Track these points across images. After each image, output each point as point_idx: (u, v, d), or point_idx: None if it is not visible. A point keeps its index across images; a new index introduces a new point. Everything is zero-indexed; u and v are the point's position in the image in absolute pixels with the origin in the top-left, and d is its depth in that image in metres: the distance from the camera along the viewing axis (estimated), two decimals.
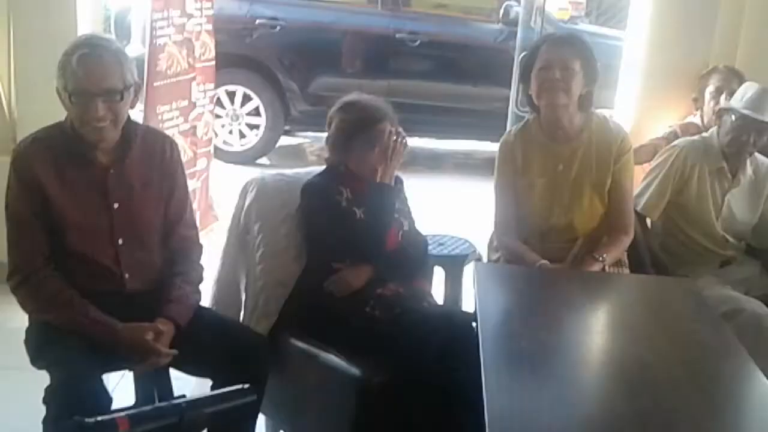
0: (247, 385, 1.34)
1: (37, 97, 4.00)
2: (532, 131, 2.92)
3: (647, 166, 3.40)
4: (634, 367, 1.97)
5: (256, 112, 6.95)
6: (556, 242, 2.88)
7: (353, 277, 2.66)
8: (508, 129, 3.83)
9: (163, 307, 2.38)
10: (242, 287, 2.91)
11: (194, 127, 4.35)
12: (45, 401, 2.13)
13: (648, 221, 3.24)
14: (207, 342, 2.34)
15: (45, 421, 2.14)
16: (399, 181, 2.94)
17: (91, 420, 1.11)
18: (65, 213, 2.34)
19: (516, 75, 4.17)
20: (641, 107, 4.24)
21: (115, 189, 2.40)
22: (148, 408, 1.18)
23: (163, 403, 1.20)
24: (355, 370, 2.47)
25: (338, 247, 2.70)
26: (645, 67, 4.26)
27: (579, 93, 2.79)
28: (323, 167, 2.90)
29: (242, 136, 6.97)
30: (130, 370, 2.43)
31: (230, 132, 6.92)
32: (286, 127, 7.24)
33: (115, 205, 2.40)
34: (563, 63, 2.75)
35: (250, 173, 3.17)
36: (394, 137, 2.72)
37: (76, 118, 2.32)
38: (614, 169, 2.87)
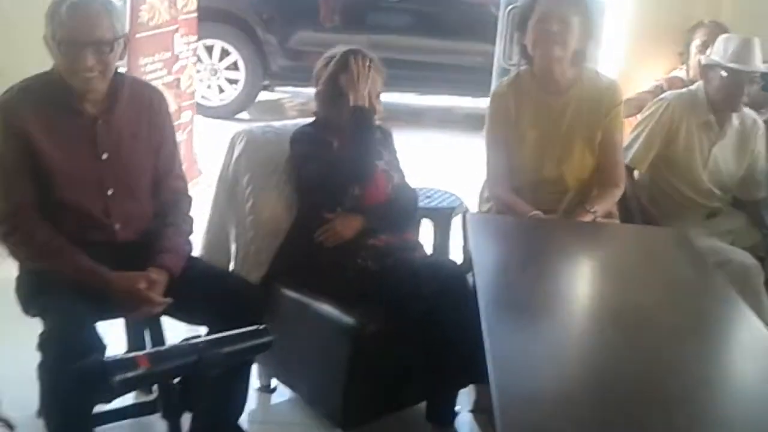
0: (263, 326, 1.33)
1: (19, 47, 3.91)
2: (525, 83, 2.92)
3: (634, 120, 3.41)
4: (632, 313, 2.00)
5: (234, 67, 6.87)
6: (548, 194, 2.90)
7: (344, 227, 2.67)
8: (492, 83, 3.85)
9: (156, 257, 2.37)
10: (232, 238, 2.90)
11: (178, 80, 4.29)
12: (40, 347, 2.11)
13: (636, 173, 3.26)
14: (200, 290, 2.33)
15: (40, 367, 2.12)
16: (387, 134, 2.93)
17: (112, 358, 1.09)
18: (53, 163, 2.31)
19: (502, 28, 4.14)
20: (627, 61, 4.25)
21: (104, 139, 2.38)
22: (166, 347, 1.18)
23: (181, 343, 1.19)
24: (348, 319, 2.49)
25: (329, 196, 2.70)
26: (631, 21, 4.26)
27: (574, 48, 2.79)
28: (311, 119, 2.88)
29: (221, 90, 6.90)
30: (123, 318, 2.42)
31: (209, 87, 6.84)
32: (265, 82, 7.17)
33: (104, 156, 2.38)
34: (561, 17, 2.74)
35: (231, 128, 3.15)
36: (361, 61, 2.69)
37: (64, 68, 2.29)
38: (605, 123, 2.89)
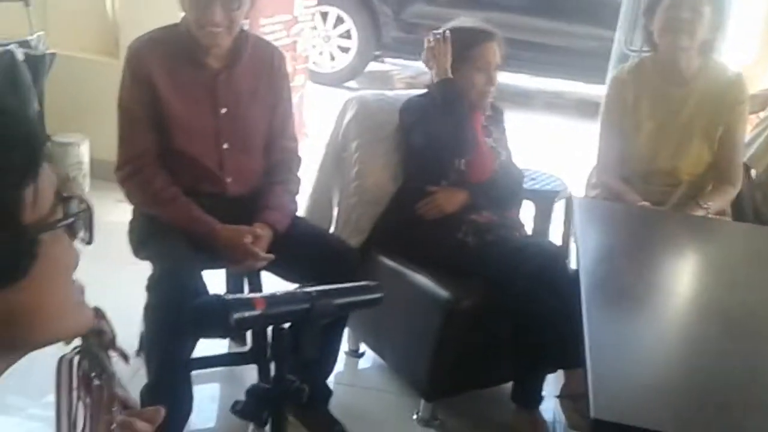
0: (374, 282, 1.36)
1: (139, 1, 4.07)
2: (646, 71, 2.84)
3: (756, 117, 3.28)
4: (737, 312, 1.94)
5: (347, 35, 6.92)
6: (658, 186, 2.83)
7: (446, 201, 2.67)
8: (610, 69, 3.75)
9: (262, 213, 2.43)
10: (335, 202, 2.95)
11: (295, 42, 4.35)
12: (148, 289, 2.21)
13: (753, 173, 3.14)
14: (302, 249, 2.39)
15: (147, 308, 2.23)
16: (498, 111, 2.91)
17: (232, 296, 1.15)
18: (175, 113, 2.39)
19: (626, 12, 4.03)
20: (755, 55, 4.07)
21: (224, 94, 2.44)
22: (281, 292, 1.22)
23: (295, 290, 1.23)
24: (442, 292, 2.51)
25: (433, 169, 2.70)
26: (760, 14, 4.07)
27: (702, 38, 2.70)
28: (424, 90, 2.89)
29: (332, 58, 6.96)
30: (227, 269, 2.50)
31: (320, 53, 6.91)
32: (377, 53, 7.20)
33: (223, 110, 2.44)
34: (693, 4, 2.66)
35: (338, 95, 3.19)
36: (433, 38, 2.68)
37: (192, 21, 2.35)
38: (727, 118, 2.79)
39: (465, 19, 2.81)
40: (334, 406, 2.57)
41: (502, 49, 2.73)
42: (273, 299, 1.19)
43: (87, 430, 1.24)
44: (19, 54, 3.86)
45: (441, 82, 2.66)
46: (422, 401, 2.67)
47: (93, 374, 1.27)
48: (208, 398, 2.72)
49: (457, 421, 2.72)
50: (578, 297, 1.81)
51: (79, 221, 0.76)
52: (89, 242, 0.77)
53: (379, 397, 2.83)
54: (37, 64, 3.92)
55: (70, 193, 0.75)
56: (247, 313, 1.15)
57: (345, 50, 6.95)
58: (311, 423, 2.50)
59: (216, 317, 1.14)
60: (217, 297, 1.17)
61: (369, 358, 3.01)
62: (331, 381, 2.61)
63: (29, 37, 4.01)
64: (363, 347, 3.02)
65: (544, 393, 2.66)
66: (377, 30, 6.91)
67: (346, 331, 2.70)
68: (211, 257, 2.36)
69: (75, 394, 1.36)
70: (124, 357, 1.35)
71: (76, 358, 1.34)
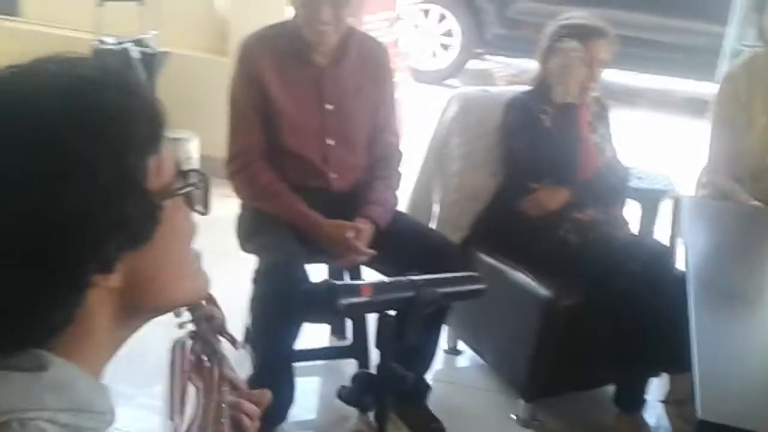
0: (477, 273, 1.37)
1: (248, 1, 4.18)
2: (760, 65, 2.75)
3: None
4: None
5: (449, 33, 6.91)
6: None
7: (549, 198, 2.64)
8: (721, 65, 3.63)
9: (365, 208, 2.46)
10: (436, 198, 2.96)
11: (397, 40, 4.38)
12: (254, 281, 2.28)
13: None
14: (403, 244, 2.40)
15: (253, 299, 2.30)
16: (604, 107, 2.86)
17: (340, 283, 1.18)
18: (282, 109, 2.45)
19: (739, 7, 3.89)
20: None
21: (330, 90, 2.48)
22: (387, 280, 1.25)
23: (400, 278, 1.25)
24: (543, 291, 2.48)
25: (536, 166, 2.68)
26: None
27: None
28: (526, 86, 2.86)
29: (433, 55, 6.97)
30: (329, 263, 2.55)
31: (422, 50, 6.92)
32: (478, 50, 7.16)
33: (329, 107, 2.49)
34: None
35: (438, 93, 3.19)
36: (584, 49, 2.61)
37: (301, 19, 2.40)
38: None
39: (576, 15, 2.76)
40: (432, 403, 2.59)
41: (612, 47, 2.67)
42: (379, 286, 1.23)
43: (197, 411, 1.29)
44: (134, 52, 4.04)
45: (565, 106, 2.63)
46: (521, 401, 2.65)
47: (205, 357, 1.32)
48: (309, 390, 2.77)
49: (556, 422, 2.69)
50: (684, 298, 1.77)
51: (197, 192, 0.80)
52: (205, 213, 0.82)
53: (477, 396, 2.83)
54: (151, 61, 4.09)
55: (188, 168, 0.80)
56: (354, 299, 1.18)
57: (446, 48, 6.94)
58: (409, 418, 2.52)
59: (324, 302, 1.18)
60: (327, 283, 1.20)
61: (467, 356, 3.01)
62: (429, 378, 2.62)
63: (143, 36, 4.19)
64: (461, 345, 3.02)
65: (647, 397, 2.60)
66: (480, 27, 6.87)
67: (444, 329, 2.70)
68: (314, 251, 2.41)
69: (187, 376, 1.42)
70: (233, 342, 1.40)
71: (189, 342, 1.40)
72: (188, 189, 0.79)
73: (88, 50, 4.02)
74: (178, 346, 1.42)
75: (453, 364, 3.02)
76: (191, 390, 1.41)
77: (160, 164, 0.75)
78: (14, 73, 0.72)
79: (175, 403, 1.45)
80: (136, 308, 0.78)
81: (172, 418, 1.39)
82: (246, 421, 1.11)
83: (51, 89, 0.70)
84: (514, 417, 2.66)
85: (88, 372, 0.75)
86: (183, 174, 0.79)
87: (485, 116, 2.86)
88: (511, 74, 7.40)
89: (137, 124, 0.73)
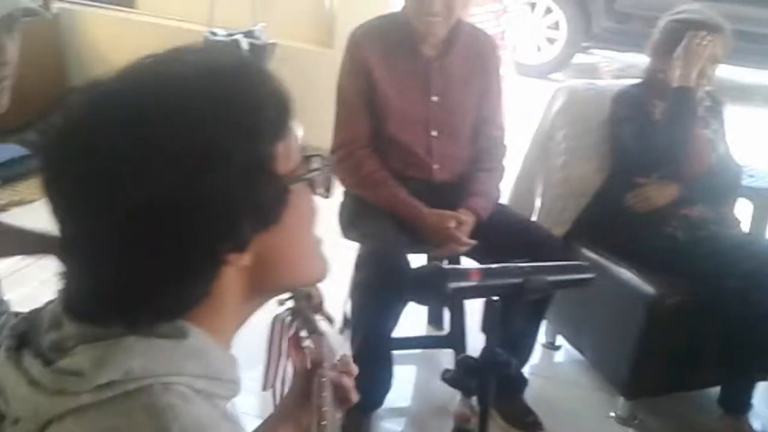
0: (586, 263, 1.37)
1: None
2: None
3: None
4: None
5: (555, 26, 6.82)
6: None
7: (658, 194, 2.59)
8: None
9: (467, 199, 2.47)
10: (538, 192, 2.94)
11: (503, 32, 4.35)
12: (357, 267, 2.32)
13: None
14: (504, 236, 2.40)
15: (356, 285, 2.35)
16: (718, 102, 2.77)
17: (449, 266, 1.21)
18: (389, 100, 2.49)
19: None
20: None
21: (437, 82, 2.50)
22: (496, 266, 1.26)
23: (509, 264, 1.27)
24: (648, 288, 2.44)
25: (645, 160, 2.62)
26: None
27: None
28: (633, 80, 2.80)
29: (538, 49, 6.89)
30: (428, 253, 2.57)
31: (527, 44, 6.86)
32: (585, 44, 7.04)
33: (434, 98, 2.51)
34: None
35: (541, 87, 3.15)
36: (700, 39, 2.52)
37: (411, 10, 2.42)
38: None
39: (689, 8, 2.68)
40: (529, 397, 2.58)
41: (728, 43, 2.58)
42: (488, 271, 1.24)
43: (293, 384, 1.34)
44: (244, 43, 4.17)
45: (680, 89, 2.54)
46: (621, 399, 2.61)
47: (303, 334, 1.37)
48: (405, 378, 2.80)
49: (657, 422, 2.64)
50: None
51: (320, 176, 0.85)
52: (327, 197, 0.86)
53: (575, 392, 2.80)
54: (260, 52, 4.21)
55: (312, 153, 0.84)
56: (463, 283, 1.20)
57: (552, 41, 6.85)
58: (506, 410, 2.53)
59: (434, 284, 1.20)
60: (436, 266, 1.23)
61: (566, 351, 2.99)
62: (526, 371, 2.61)
63: (253, 28, 4.31)
64: (560, 340, 2.99)
65: (754, 401, 2.52)
66: (587, 20, 6.76)
67: (543, 323, 2.69)
68: (415, 240, 2.44)
69: (285, 350, 1.47)
70: (330, 320, 1.45)
71: (288, 318, 1.45)
72: (313, 173, 0.83)
73: (200, 41, 4.18)
74: (277, 321, 1.48)
75: (551, 359, 3.00)
76: (288, 364, 1.47)
77: (288, 150, 0.79)
78: (155, 62, 0.77)
79: (271, 375, 1.51)
80: (262, 286, 0.82)
81: (266, 389, 1.45)
82: (348, 391, 1.14)
83: (190, 78, 0.74)
84: (613, 415, 2.62)
85: (220, 344, 0.80)
86: (307, 159, 0.83)
87: (592, 110, 2.82)
88: (617, 68, 7.24)
89: (268, 112, 0.76)
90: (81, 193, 0.72)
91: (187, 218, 0.71)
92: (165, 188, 0.70)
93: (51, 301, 0.81)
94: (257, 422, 1.14)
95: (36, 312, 0.81)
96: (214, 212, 0.72)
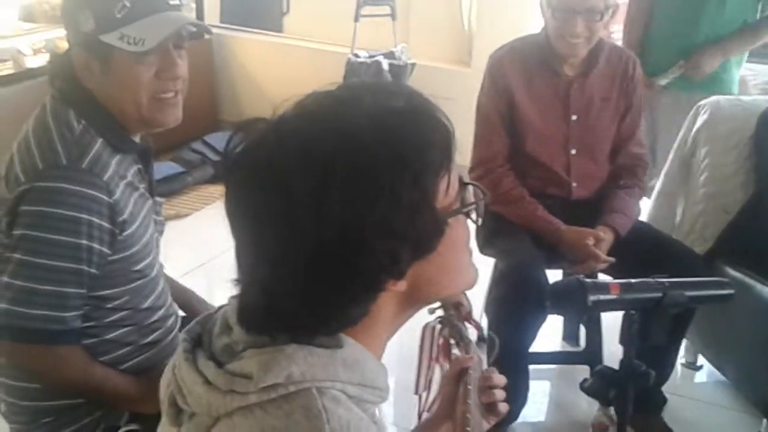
0: (725, 279, 1.39)
1: (494, 13, 4.31)
2: None
3: None
4: None
5: None
6: None
7: None
8: None
9: (606, 216, 2.49)
10: (679, 210, 2.90)
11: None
12: (495, 282, 2.39)
13: None
14: (644, 254, 2.38)
15: (494, 300, 2.41)
16: None
17: (589, 280, 1.26)
18: (528, 119, 2.54)
19: None
20: None
21: (576, 101, 2.53)
22: (635, 281, 1.31)
23: (648, 279, 1.31)
24: None
25: None
26: None
27: None
28: None
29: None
30: (565, 269, 2.59)
31: None
32: None
33: (574, 117, 2.54)
34: None
35: None
36: None
37: (553, 32, 2.46)
38: None
39: None
40: (668, 416, 2.56)
41: None
42: (628, 286, 1.28)
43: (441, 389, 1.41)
44: (385, 64, 4.32)
45: None
46: (764, 421, 2.54)
47: (453, 341, 1.45)
48: (540, 393, 2.83)
49: None
50: None
51: (476, 208, 0.90)
52: (479, 224, 0.92)
53: (717, 412, 2.74)
54: (399, 72, 4.35)
55: (468, 181, 0.90)
56: (602, 296, 1.25)
57: None
58: (644, 428, 2.50)
59: (575, 297, 1.25)
60: (577, 279, 1.28)
61: (707, 371, 2.93)
62: (665, 390, 2.58)
63: (393, 49, 4.45)
64: (701, 360, 2.94)
65: None
66: None
67: (684, 343, 2.66)
68: (552, 257, 2.47)
69: (435, 357, 1.55)
70: (479, 328, 1.52)
71: (438, 326, 1.53)
72: (470, 207, 0.89)
73: (343, 63, 4.36)
74: (428, 329, 1.56)
75: (691, 379, 2.95)
76: (438, 370, 1.55)
77: (448, 184, 0.84)
78: (335, 101, 0.83)
79: (422, 381, 1.59)
80: (414, 303, 0.90)
81: (417, 393, 1.54)
82: (498, 399, 1.20)
83: (367, 124, 0.80)
84: None
85: (372, 353, 0.87)
86: (463, 186, 0.88)
87: (737, 126, 2.77)
88: (765, 82, 6.93)
89: (434, 152, 0.82)
90: (260, 221, 0.79)
91: (353, 253, 0.78)
92: (336, 225, 0.77)
93: (221, 306, 0.91)
94: (393, 430, 1.21)
95: (208, 317, 0.91)
96: (377, 247, 0.79)
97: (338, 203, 0.77)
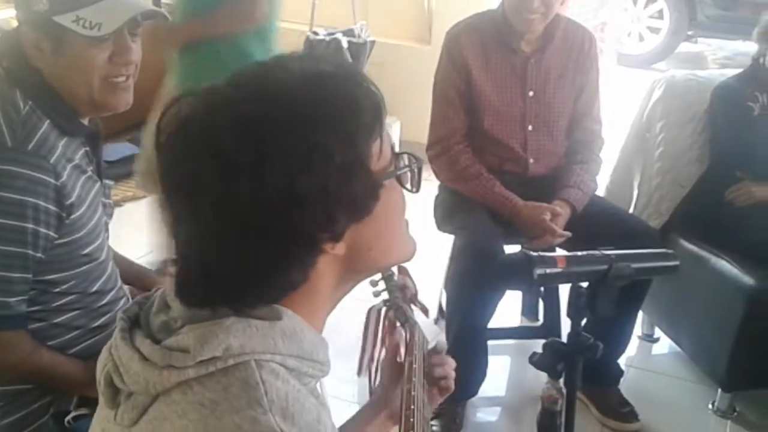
0: (671, 251, 1.40)
1: None
2: None
3: None
4: None
5: (659, 15, 6.67)
6: None
7: (760, 188, 2.54)
8: None
9: (562, 191, 2.50)
10: (635, 184, 2.93)
11: (603, 24, 4.31)
12: (452, 259, 2.39)
13: None
14: (600, 228, 2.41)
15: (452, 276, 2.41)
16: None
17: (536, 253, 1.26)
18: (485, 96, 2.53)
19: None
20: None
21: (533, 77, 2.53)
22: (581, 253, 1.31)
23: (594, 252, 1.31)
24: (748, 279, 2.41)
25: (742, 156, 2.58)
26: None
27: None
28: (740, 69, 2.76)
29: (641, 39, 6.76)
30: (523, 245, 2.60)
31: (628, 34, 6.74)
32: (689, 32, 6.86)
33: (530, 93, 2.54)
34: None
35: (646, 77, 3.12)
36: None
37: (510, 8, 2.46)
38: None
39: None
40: (625, 388, 2.60)
41: None
42: (574, 258, 1.29)
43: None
44: (344, 41, 4.28)
45: None
46: (719, 391, 2.59)
47: (398, 323, 1.45)
48: (499, 368, 2.85)
49: (756, 414, 2.61)
50: None
51: (410, 173, 0.91)
52: (416, 191, 0.92)
53: (672, 384, 2.79)
54: (359, 50, 4.32)
55: (401, 150, 0.91)
56: (549, 270, 1.25)
57: (655, 30, 6.71)
58: (601, 401, 2.55)
59: (521, 271, 1.26)
60: (524, 253, 1.28)
61: (664, 343, 2.97)
62: (622, 363, 2.62)
63: (353, 27, 4.42)
64: (657, 332, 2.98)
65: None
66: (692, 8, 6.58)
67: (640, 315, 2.69)
68: (509, 232, 2.48)
69: (379, 339, 1.55)
70: (425, 310, 1.52)
71: (383, 309, 1.53)
72: (404, 170, 0.89)
73: (302, 41, 4.32)
74: (373, 312, 1.56)
75: (648, 351, 2.99)
76: (382, 351, 1.55)
77: (381, 148, 0.85)
78: (264, 70, 0.84)
79: (366, 363, 1.59)
80: (354, 271, 0.90)
81: (360, 374, 1.54)
82: (440, 379, 1.20)
83: (295, 86, 0.81)
84: (711, 407, 2.60)
85: (312, 325, 0.87)
86: (397, 156, 0.90)
87: (691, 101, 2.80)
88: (724, 56, 7.03)
89: (364, 115, 0.83)
90: (196, 190, 0.79)
91: (290, 213, 0.78)
92: (271, 186, 0.77)
93: (158, 288, 0.91)
94: (355, 408, 1.22)
95: (146, 297, 0.91)
96: (314, 207, 0.79)
97: (272, 163, 0.77)
